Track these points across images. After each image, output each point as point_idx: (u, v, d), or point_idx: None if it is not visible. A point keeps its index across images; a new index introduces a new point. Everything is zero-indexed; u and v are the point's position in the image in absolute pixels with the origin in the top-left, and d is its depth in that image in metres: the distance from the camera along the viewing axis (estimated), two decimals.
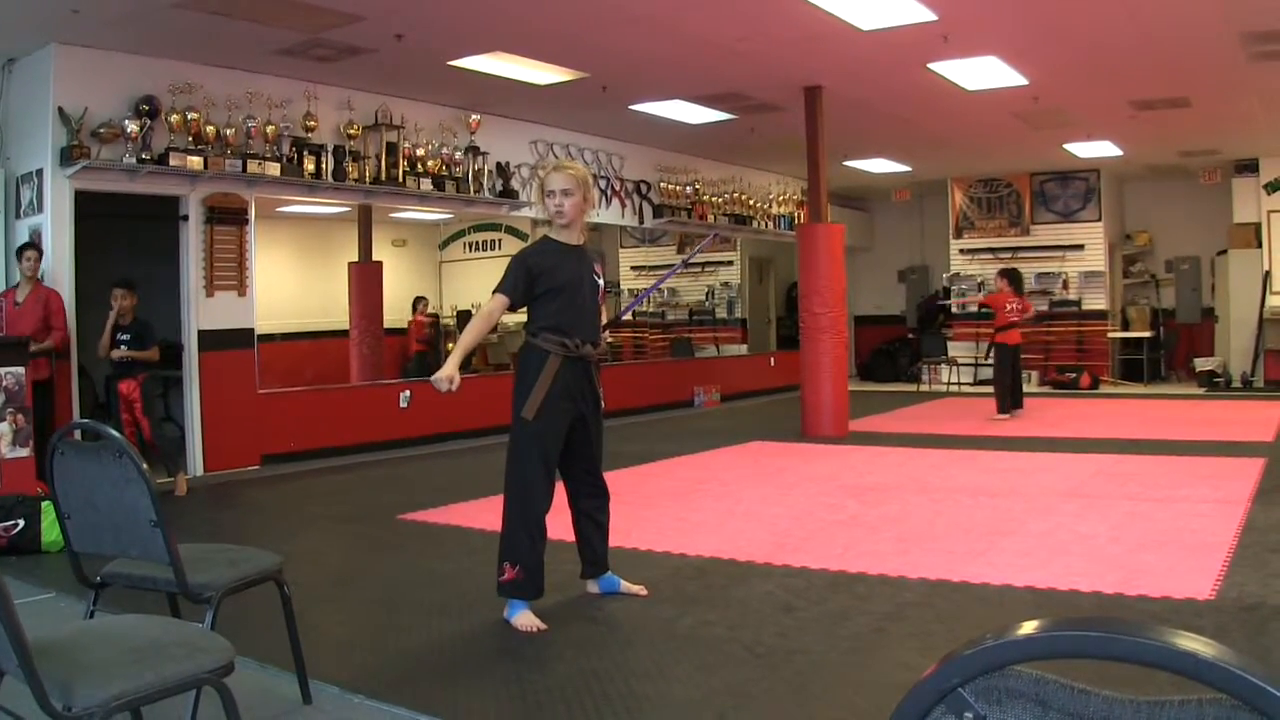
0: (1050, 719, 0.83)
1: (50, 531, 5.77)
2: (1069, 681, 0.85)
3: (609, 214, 13.00)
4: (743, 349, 17.03)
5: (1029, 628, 0.83)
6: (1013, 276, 11.95)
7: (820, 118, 10.62)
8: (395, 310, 14.16)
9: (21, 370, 6.56)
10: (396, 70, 9.22)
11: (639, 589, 4.67)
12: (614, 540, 4.86)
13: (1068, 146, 13.97)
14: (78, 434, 2.92)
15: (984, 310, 11.48)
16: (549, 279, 4.31)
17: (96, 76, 7.98)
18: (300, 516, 7.07)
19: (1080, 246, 16.20)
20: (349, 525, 6.73)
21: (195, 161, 8.35)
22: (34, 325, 7.24)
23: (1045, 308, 16.27)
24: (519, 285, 4.29)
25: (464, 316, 14.16)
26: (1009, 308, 11.58)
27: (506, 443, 4.41)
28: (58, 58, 7.86)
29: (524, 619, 4.21)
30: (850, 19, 7.97)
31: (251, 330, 9.08)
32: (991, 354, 11.88)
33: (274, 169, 8.90)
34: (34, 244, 7.66)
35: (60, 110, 7.79)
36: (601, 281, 4.61)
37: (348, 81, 9.53)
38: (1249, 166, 15.12)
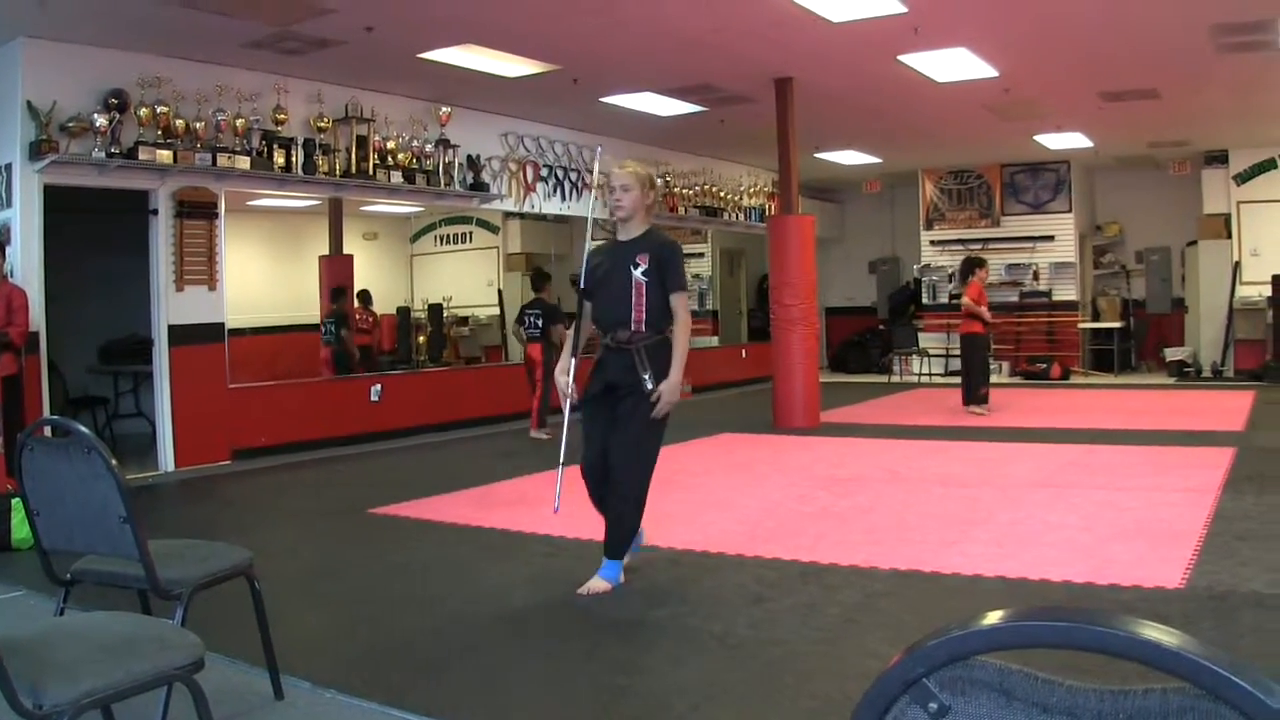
0: (1014, 709, 0.84)
1: (20, 529, 5.71)
2: (1033, 671, 0.85)
3: (579, 206, 12.98)
4: (714, 341, 17.02)
5: (993, 618, 0.83)
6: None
7: (791, 109, 10.63)
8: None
9: None
10: (366, 63, 9.17)
11: (604, 587, 4.62)
12: (586, 533, 4.87)
13: (1038, 138, 14.05)
14: (47, 430, 2.89)
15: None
16: (591, 278, 4.73)
17: (65, 70, 7.89)
18: (271, 511, 7.03)
19: (1050, 237, 16.32)
20: (320, 520, 6.70)
21: (165, 155, 8.28)
22: None
23: (1015, 299, 16.39)
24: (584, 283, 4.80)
25: (435, 310, 14.06)
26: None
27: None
28: (26, 51, 7.76)
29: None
30: (820, 10, 7.99)
31: (222, 324, 9.01)
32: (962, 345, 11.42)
33: (244, 162, 8.83)
34: None
35: (29, 104, 7.70)
36: (638, 271, 4.57)
37: (318, 74, 9.46)
38: (1219, 158, 15.27)
